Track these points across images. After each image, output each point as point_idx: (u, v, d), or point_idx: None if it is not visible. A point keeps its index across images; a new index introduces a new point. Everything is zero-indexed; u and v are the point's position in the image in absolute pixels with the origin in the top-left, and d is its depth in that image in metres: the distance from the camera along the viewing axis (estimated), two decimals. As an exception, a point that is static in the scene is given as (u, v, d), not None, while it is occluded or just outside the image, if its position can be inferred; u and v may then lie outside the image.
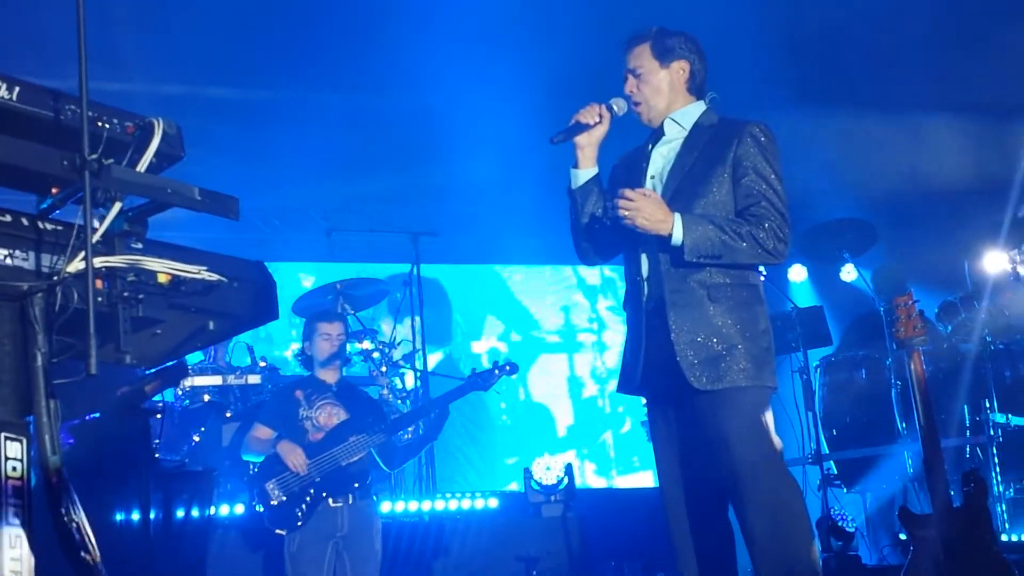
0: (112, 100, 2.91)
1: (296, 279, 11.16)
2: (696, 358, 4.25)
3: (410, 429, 7.67)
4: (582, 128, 4.53)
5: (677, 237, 4.24)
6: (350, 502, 6.69)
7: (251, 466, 6.98)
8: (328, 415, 6.89)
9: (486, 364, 7.32)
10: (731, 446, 4.18)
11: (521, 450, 11.24)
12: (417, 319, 9.24)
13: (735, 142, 4.41)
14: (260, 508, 6.68)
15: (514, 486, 9.99)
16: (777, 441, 4.29)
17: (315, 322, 7.11)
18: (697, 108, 4.60)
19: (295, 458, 6.66)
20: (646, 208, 4.25)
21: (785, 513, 4.17)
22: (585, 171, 4.60)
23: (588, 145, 4.57)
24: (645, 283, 4.45)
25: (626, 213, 4.26)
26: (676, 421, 4.44)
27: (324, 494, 6.65)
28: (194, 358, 8.17)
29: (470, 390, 7.20)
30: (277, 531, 6.63)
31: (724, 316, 4.29)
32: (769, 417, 4.30)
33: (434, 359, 11.16)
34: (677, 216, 4.26)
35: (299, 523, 6.61)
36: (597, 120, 4.51)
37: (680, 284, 4.33)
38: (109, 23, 7.33)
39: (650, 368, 4.42)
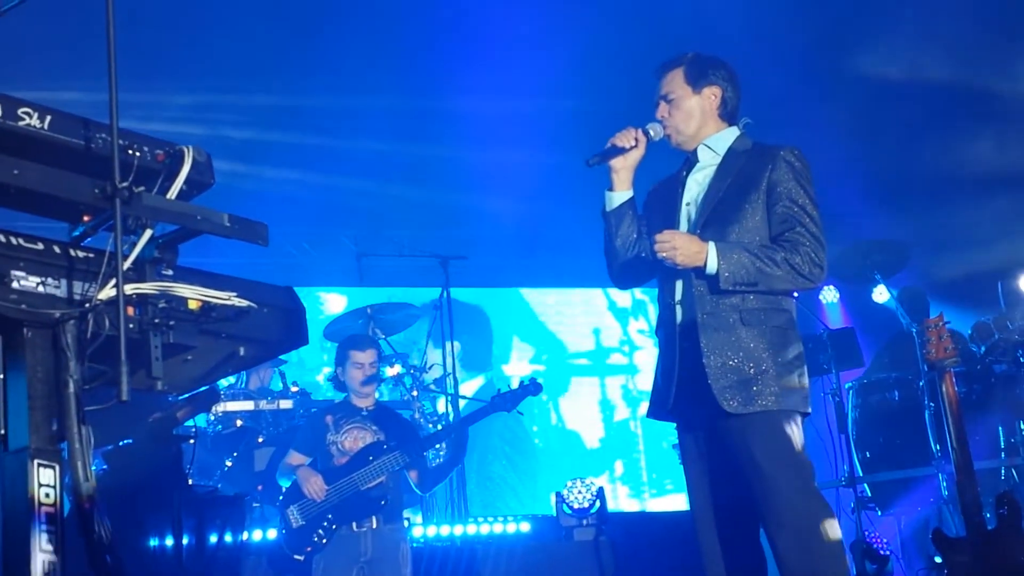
0: (140, 110, 2.93)
1: (326, 303, 11.20)
2: (728, 381, 4.24)
3: (441, 452, 7.66)
4: (618, 151, 4.53)
5: (712, 267, 4.24)
6: (374, 526, 6.69)
7: (281, 491, 7.01)
8: (354, 439, 6.91)
9: (514, 386, 7.30)
10: (762, 470, 4.16)
11: (553, 474, 11.20)
12: (447, 343, 9.23)
13: (768, 167, 4.40)
14: (283, 532, 6.71)
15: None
16: (808, 465, 4.27)
17: (348, 349, 7.12)
18: (731, 134, 4.59)
19: (311, 485, 6.70)
20: (681, 245, 4.26)
21: (816, 537, 4.14)
22: (620, 194, 4.60)
23: (623, 168, 4.58)
24: (678, 307, 4.44)
25: (664, 254, 4.26)
26: (707, 445, 4.43)
27: (344, 518, 6.67)
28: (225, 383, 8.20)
29: (493, 411, 7.19)
30: (295, 556, 6.65)
31: (757, 340, 4.27)
32: (800, 440, 4.27)
33: (475, 384, 11.16)
34: (711, 245, 4.26)
35: (314, 548, 6.63)
36: (633, 144, 4.52)
37: (714, 308, 4.32)
38: (139, 28, 7.35)
39: (682, 392, 4.41)
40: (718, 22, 7.79)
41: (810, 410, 4.40)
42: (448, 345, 9.18)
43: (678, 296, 4.45)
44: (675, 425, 4.63)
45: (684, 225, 4.50)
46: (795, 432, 4.25)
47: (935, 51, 8.66)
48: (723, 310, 4.31)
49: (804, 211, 4.36)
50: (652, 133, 4.55)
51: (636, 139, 4.52)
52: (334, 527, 6.65)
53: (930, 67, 8.81)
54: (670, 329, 4.50)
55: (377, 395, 7.30)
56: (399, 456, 6.80)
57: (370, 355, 7.10)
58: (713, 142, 4.57)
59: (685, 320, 4.42)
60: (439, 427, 8.29)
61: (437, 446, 7.54)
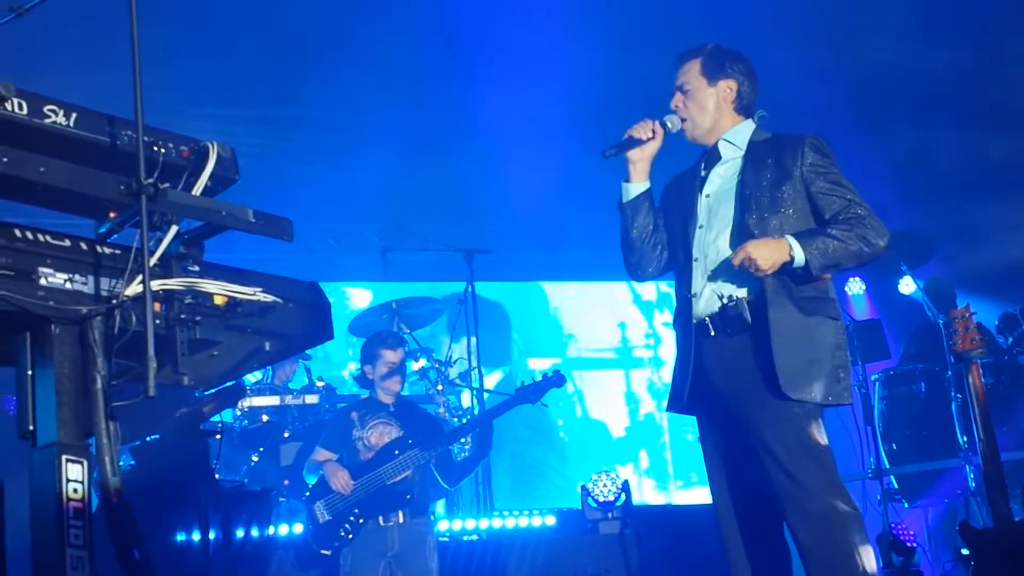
0: (166, 124, 2.95)
1: (351, 298, 11.22)
2: (761, 373, 4.22)
3: (466, 447, 7.67)
4: (635, 143, 4.52)
5: (800, 259, 4.19)
6: (400, 520, 6.72)
7: (307, 487, 7.03)
8: (380, 435, 6.93)
9: (537, 379, 7.29)
10: (783, 463, 4.15)
11: (579, 467, 11.20)
12: (472, 337, 9.23)
13: (799, 157, 4.38)
14: (310, 528, 6.75)
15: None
16: (832, 457, 4.25)
17: (377, 347, 7.13)
18: (747, 127, 4.57)
19: (338, 480, 6.73)
20: (759, 252, 4.18)
21: (841, 529, 4.13)
22: (636, 185, 4.60)
23: (640, 160, 4.57)
24: (695, 299, 4.43)
25: (752, 268, 4.19)
26: (725, 438, 4.42)
27: (370, 513, 6.70)
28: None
29: (517, 403, 7.20)
30: (322, 551, 6.68)
31: (795, 331, 4.24)
32: (822, 432, 4.25)
33: (494, 378, 11.15)
34: (789, 239, 4.22)
35: (341, 543, 6.67)
36: (650, 136, 4.51)
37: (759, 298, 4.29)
38: (165, 46, 7.39)
39: (698, 386, 4.40)
40: (738, 14, 7.77)
41: (851, 401, 4.39)
42: (473, 339, 9.18)
43: (695, 289, 4.44)
44: (695, 418, 4.62)
45: (704, 216, 4.49)
46: (816, 424, 4.23)
47: (955, 37, 8.62)
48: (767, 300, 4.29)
49: (848, 189, 4.36)
50: (669, 125, 4.55)
51: (653, 130, 4.52)
52: (361, 521, 6.68)
53: (950, 54, 8.78)
54: (687, 323, 4.49)
55: (402, 391, 7.31)
56: (425, 450, 6.81)
57: (400, 354, 7.13)
58: (732, 135, 4.56)
59: (701, 314, 4.41)
60: (464, 421, 8.30)
61: (462, 440, 7.55)
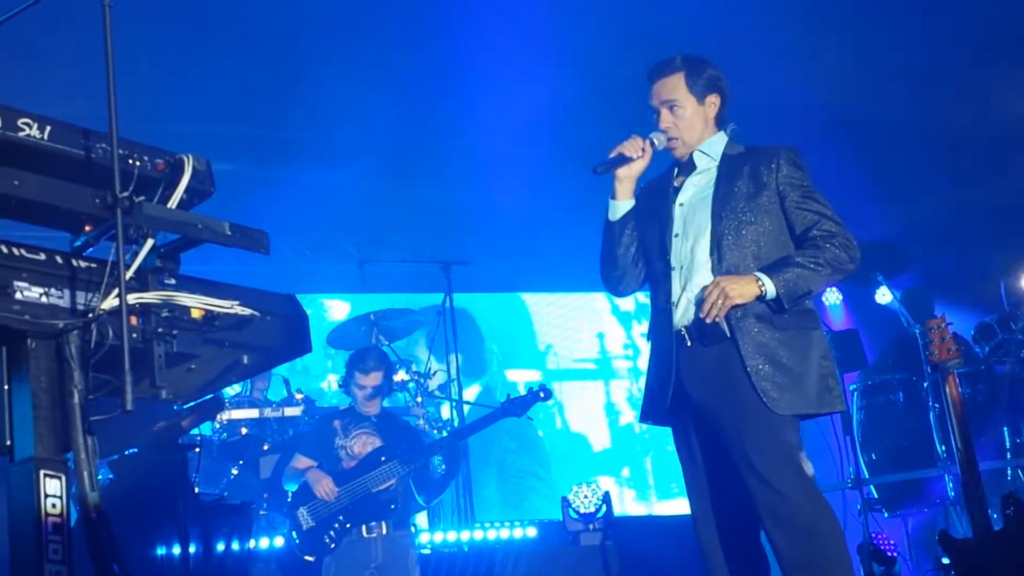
0: (143, 139, 2.94)
1: (329, 310, 11.20)
2: (739, 385, 4.23)
3: (440, 465, 7.68)
4: (625, 160, 4.54)
5: (771, 292, 4.21)
6: (384, 532, 6.72)
7: (289, 496, 7.01)
8: (363, 444, 6.94)
9: (522, 391, 7.31)
10: (761, 472, 4.16)
11: (561, 477, 11.20)
12: (452, 352, 9.22)
13: (773, 168, 4.40)
14: (294, 535, 6.74)
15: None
16: (808, 465, 4.26)
17: (353, 371, 7.12)
18: (720, 139, 4.59)
19: (322, 487, 6.74)
20: (731, 289, 4.20)
21: (819, 537, 4.14)
22: (624, 203, 4.62)
23: (627, 178, 4.59)
24: (674, 309, 4.44)
25: (717, 309, 4.19)
26: (702, 449, 4.43)
27: (355, 520, 6.70)
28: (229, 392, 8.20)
29: (503, 416, 7.22)
30: (306, 557, 6.69)
31: (776, 343, 4.26)
32: (798, 441, 4.26)
33: (472, 391, 11.14)
34: (760, 275, 4.23)
35: (327, 549, 6.67)
36: (640, 154, 4.52)
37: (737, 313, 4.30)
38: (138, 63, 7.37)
39: (679, 395, 4.41)
40: (717, 18, 7.80)
41: (843, 407, 4.43)
42: (452, 352, 9.17)
43: (674, 298, 4.45)
44: (670, 429, 4.62)
45: (678, 225, 4.50)
46: (794, 434, 4.24)
47: (932, 42, 8.67)
48: (741, 315, 4.30)
49: (821, 203, 4.38)
50: (656, 143, 4.55)
51: (643, 149, 4.53)
52: (347, 526, 6.68)
53: (927, 58, 8.82)
54: (665, 333, 4.49)
55: (385, 402, 7.31)
56: (407, 462, 6.82)
57: (374, 378, 7.08)
58: (706, 147, 4.57)
59: (681, 324, 4.42)
60: (444, 433, 8.29)
61: (438, 458, 7.58)
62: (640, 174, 4.59)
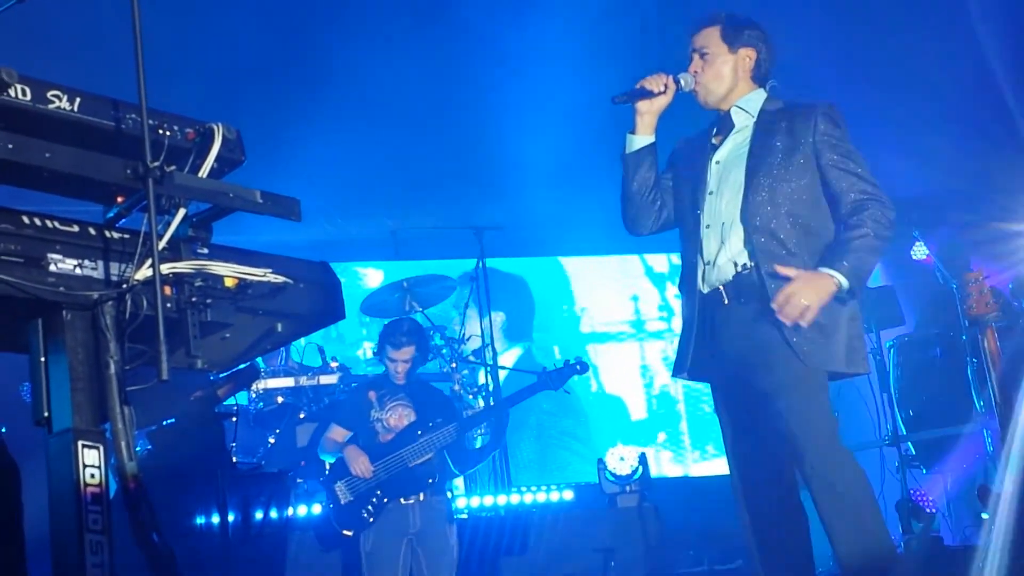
0: (174, 105, 2.93)
1: (364, 278, 11.21)
2: (773, 342, 4.22)
3: (481, 434, 7.69)
4: (646, 94, 4.52)
5: (845, 284, 4.20)
6: (421, 499, 6.73)
7: (326, 466, 7.03)
8: (399, 416, 6.92)
9: (558, 357, 7.30)
10: (792, 427, 4.15)
11: (599, 440, 11.20)
12: (485, 317, 9.21)
13: (811, 127, 4.39)
14: (331, 507, 6.75)
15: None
16: (834, 421, 4.26)
17: (384, 345, 7.12)
18: (759, 95, 4.58)
19: (358, 465, 6.74)
20: (808, 295, 4.15)
21: (848, 492, 4.14)
22: (641, 137, 4.60)
23: (648, 112, 4.57)
24: (709, 268, 4.42)
25: (802, 318, 4.15)
26: (740, 407, 4.42)
27: (392, 494, 6.71)
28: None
29: (540, 389, 7.24)
30: (344, 532, 6.69)
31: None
32: (828, 400, 4.26)
33: (513, 354, 11.15)
34: (831, 272, 4.20)
35: (365, 524, 6.67)
36: (662, 90, 4.51)
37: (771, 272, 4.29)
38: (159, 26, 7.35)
39: (709, 354, 4.41)
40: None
41: (866, 369, 4.43)
42: (486, 316, 9.17)
43: (708, 256, 4.45)
44: (709, 388, 4.63)
45: (713, 182, 4.48)
46: (824, 391, 4.24)
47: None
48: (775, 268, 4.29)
49: (858, 165, 4.38)
50: (683, 83, 4.54)
51: (666, 85, 4.51)
52: (385, 500, 6.68)
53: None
54: (692, 285, 4.50)
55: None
56: (448, 432, 6.81)
57: (406, 352, 7.06)
58: (744, 103, 4.56)
59: (710, 280, 4.42)
60: (479, 400, 8.29)
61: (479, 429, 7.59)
62: (661, 110, 4.57)
